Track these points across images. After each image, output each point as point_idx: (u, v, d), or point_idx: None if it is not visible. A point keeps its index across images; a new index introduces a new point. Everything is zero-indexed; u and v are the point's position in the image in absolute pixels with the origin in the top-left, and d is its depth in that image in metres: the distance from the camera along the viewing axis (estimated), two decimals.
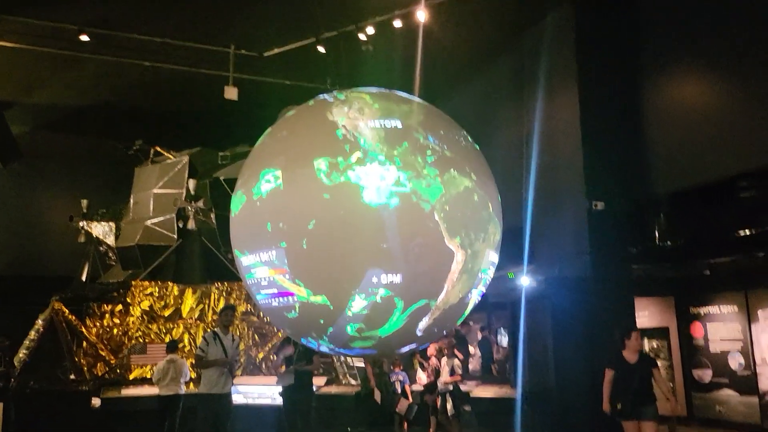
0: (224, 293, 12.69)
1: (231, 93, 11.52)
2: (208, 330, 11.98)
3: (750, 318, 10.14)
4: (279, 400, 10.22)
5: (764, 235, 8.82)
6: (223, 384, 7.65)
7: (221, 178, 13.69)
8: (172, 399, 9.46)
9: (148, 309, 12.08)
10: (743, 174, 8.60)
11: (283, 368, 7.88)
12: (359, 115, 3.67)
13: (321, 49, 11.30)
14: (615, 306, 9.05)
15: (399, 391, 10.32)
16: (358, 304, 3.50)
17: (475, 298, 4.15)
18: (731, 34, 8.44)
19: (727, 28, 8.48)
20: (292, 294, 3.57)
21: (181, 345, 11.06)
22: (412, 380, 10.88)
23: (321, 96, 4.09)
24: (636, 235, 9.42)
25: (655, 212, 9.38)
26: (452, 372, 9.06)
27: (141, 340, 11.87)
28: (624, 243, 9.30)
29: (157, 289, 12.19)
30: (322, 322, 3.64)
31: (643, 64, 9.59)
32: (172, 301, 12.31)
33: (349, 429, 10.04)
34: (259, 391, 10.92)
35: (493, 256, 4.13)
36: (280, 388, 10.06)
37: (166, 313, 12.24)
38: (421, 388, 10.26)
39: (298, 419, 7.57)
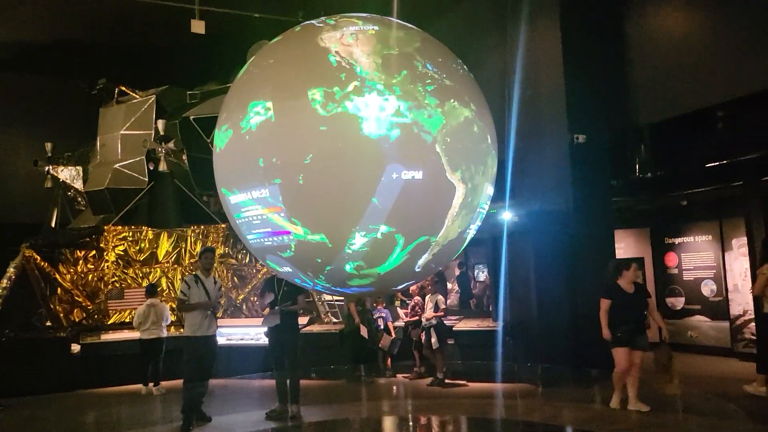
0: (200, 236, 12.49)
1: (198, 27, 10.95)
2: (188, 273, 11.84)
3: (724, 247, 10.38)
4: (262, 341, 10.26)
5: (739, 165, 8.91)
6: (207, 326, 7.59)
7: (191, 117, 13.22)
8: (154, 342, 9.41)
9: (122, 254, 11.84)
10: (720, 104, 8.60)
11: (267, 310, 7.81)
12: (353, 42, 3.44)
13: None
14: (596, 238, 9.15)
15: (381, 327, 10.43)
16: (358, 242, 3.37)
17: (472, 233, 4.06)
18: None
19: None
20: (287, 233, 3.42)
21: (159, 289, 10.90)
22: (395, 317, 10.99)
23: (307, 22, 3.81)
24: (617, 167, 9.44)
25: (636, 144, 9.38)
26: (436, 308, 9.13)
27: (117, 285, 11.68)
28: (605, 175, 9.31)
29: (131, 234, 11.92)
30: (319, 260, 3.52)
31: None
32: (147, 246, 12.07)
33: (332, 367, 10.14)
34: (242, 332, 10.91)
35: (490, 190, 4.03)
36: (263, 329, 10.07)
37: (142, 257, 12.02)
38: (403, 324, 10.38)
39: (285, 359, 7.56)
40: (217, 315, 7.91)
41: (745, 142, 8.47)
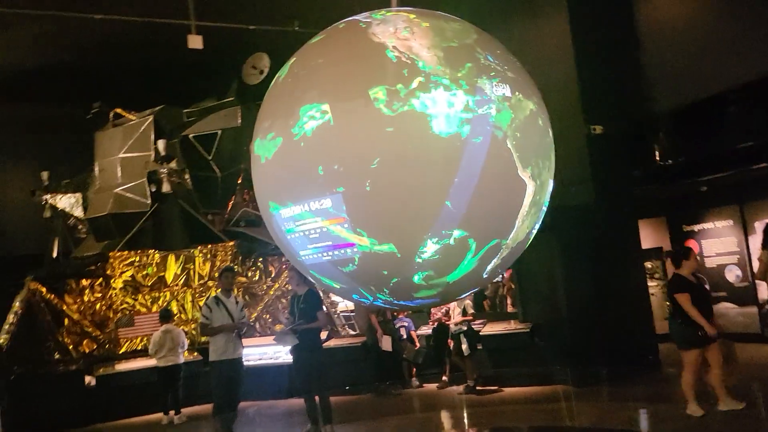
0: (209, 256, 12.17)
1: (195, 42, 10.66)
2: (198, 295, 11.54)
3: (746, 231, 10.21)
4: (281, 359, 9.96)
5: (760, 147, 8.75)
6: (233, 349, 7.35)
7: (191, 135, 12.97)
8: (172, 369, 9.10)
9: (130, 279, 11.48)
10: (737, 88, 8.44)
11: (278, 327, 7.58)
12: (409, 35, 3.17)
13: None
14: (621, 231, 8.95)
15: (405, 337, 10.16)
16: (429, 249, 3.10)
17: (534, 232, 3.81)
18: None
19: None
20: (351, 245, 3.14)
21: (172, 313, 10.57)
22: (417, 325, 10.72)
23: (350, 18, 3.54)
24: (637, 157, 9.24)
25: (655, 132, 9.19)
26: (464, 312, 8.88)
27: (127, 312, 11.32)
28: (625, 166, 9.13)
29: (137, 258, 11.57)
30: (385, 273, 3.23)
31: None
32: (155, 269, 11.72)
33: (358, 382, 9.85)
34: (260, 352, 10.58)
35: (551, 186, 3.78)
36: (280, 348, 9.78)
37: (150, 281, 11.68)
38: (429, 332, 10.12)
39: (311, 379, 7.24)
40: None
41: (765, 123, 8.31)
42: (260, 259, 12.90)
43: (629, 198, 9.18)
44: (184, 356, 9.30)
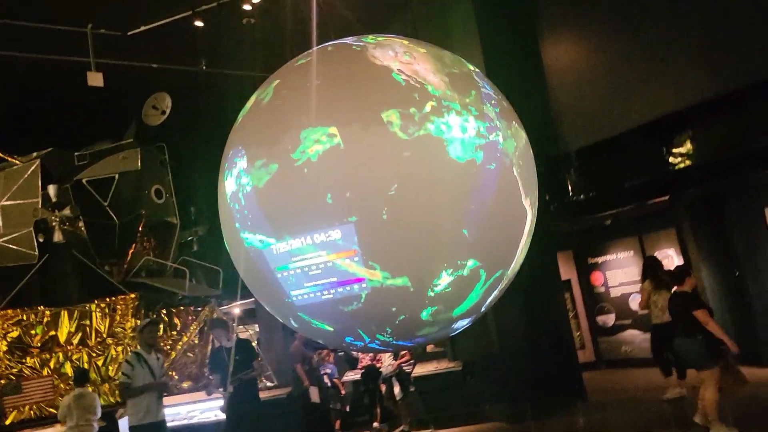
0: (107, 310, 11.09)
1: (95, 79, 9.97)
2: (106, 354, 10.52)
3: None
4: (205, 417, 9.22)
5: (656, 182, 9.47)
6: (157, 411, 6.63)
7: (84, 180, 11.96)
8: None
9: (16, 341, 10.20)
10: (637, 127, 9.11)
11: (211, 379, 7.04)
12: (412, 60, 3.06)
13: (199, 23, 10.14)
14: (543, 264, 9.21)
15: (329, 385, 9.74)
16: (443, 282, 2.94)
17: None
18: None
19: None
20: (360, 280, 2.90)
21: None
22: (342, 372, 10.33)
23: (337, 41, 3.37)
24: (553, 192, 9.65)
25: (567, 169, 9.66)
26: (396, 355, 8.66)
27: (13, 378, 10.01)
28: (543, 202, 9.47)
29: (24, 317, 10.33)
30: (394, 309, 3.02)
31: (542, 26, 9.80)
32: (44, 328, 10.51)
33: None
34: (173, 412, 9.68)
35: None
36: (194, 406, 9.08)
37: (39, 342, 10.43)
38: (357, 377, 9.76)
39: None
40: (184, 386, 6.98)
41: (665, 159, 9.00)
42: (164, 312, 11.98)
43: (548, 232, 9.52)
44: (97, 425, 8.24)
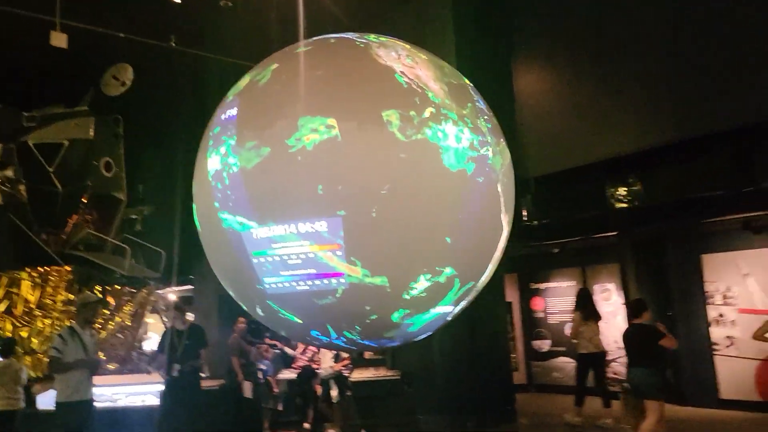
0: (39, 281, 10.63)
1: (59, 40, 9.52)
2: (31, 326, 10.06)
3: None
4: (131, 401, 8.90)
5: (602, 218, 9.84)
6: (86, 389, 6.39)
7: (31, 142, 11.45)
8: (9, 415, 7.63)
9: None
10: (594, 162, 9.43)
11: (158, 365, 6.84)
12: (414, 64, 3.10)
13: None
14: (488, 284, 9.37)
15: (262, 381, 9.64)
16: (420, 286, 2.97)
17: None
18: (581, 34, 9.18)
19: (579, 27, 9.16)
20: (339, 275, 2.90)
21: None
22: (277, 369, 10.22)
23: (341, 35, 3.36)
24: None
25: (523, 194, 9.89)
26: (337, 357, 8.63)
27: None
28: None
29: None
30: (368, 308, 3.03)
31: (517, 53, 10.04)
32: None
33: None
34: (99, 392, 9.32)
35: None
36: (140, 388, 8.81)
37: None
38: (291, 376, 9.66)
39: (184, 423, 6.58)
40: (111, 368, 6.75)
41: (616, 197, 9.35)
42: (98, 289, 11.55)
43: None
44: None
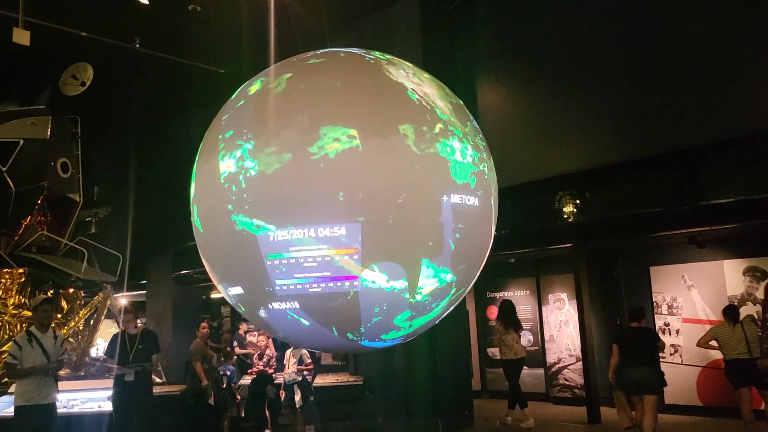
0: None
1: (21, 37, 9.31)
2: (6, 329, 9.79)
3: (540, 301, 11.74)
4: (87, 407, 8.75)
5: (556, 229, 10.31)
6: (46, 394, 6.32)
7: None
8: None
9: None
10: (552, 176, 9.89)
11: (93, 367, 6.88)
12: (420, 82, 3.33)
13: (144, 0, 9.84)
14: None
15: (225, 387, 9.63)
16: (426, 289, 3.19)
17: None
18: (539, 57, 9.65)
19: (538, 48, 9.63)
20: (353, 278, 3.08)
21: None
22: (240, 375, 10.22)
23: (348, 49, 3.55)
24: None
25: None
26: (300, 362, 8.72)
27: None
28: None
29: None
30: (376, 310, 3.22)
31: (481, 70, 10.44)
32: None
33: None
34: (62, 397, 9.09)
35: None
36: (96, 394, 8.69)
37: None
38: (249, 382, 9.70)
39: (135, 424, 6.62)
40: (62, 374, 6.69)
41: (572, 210, 9.83)
42: (51, 292, 11.25)
43: None
44: None
